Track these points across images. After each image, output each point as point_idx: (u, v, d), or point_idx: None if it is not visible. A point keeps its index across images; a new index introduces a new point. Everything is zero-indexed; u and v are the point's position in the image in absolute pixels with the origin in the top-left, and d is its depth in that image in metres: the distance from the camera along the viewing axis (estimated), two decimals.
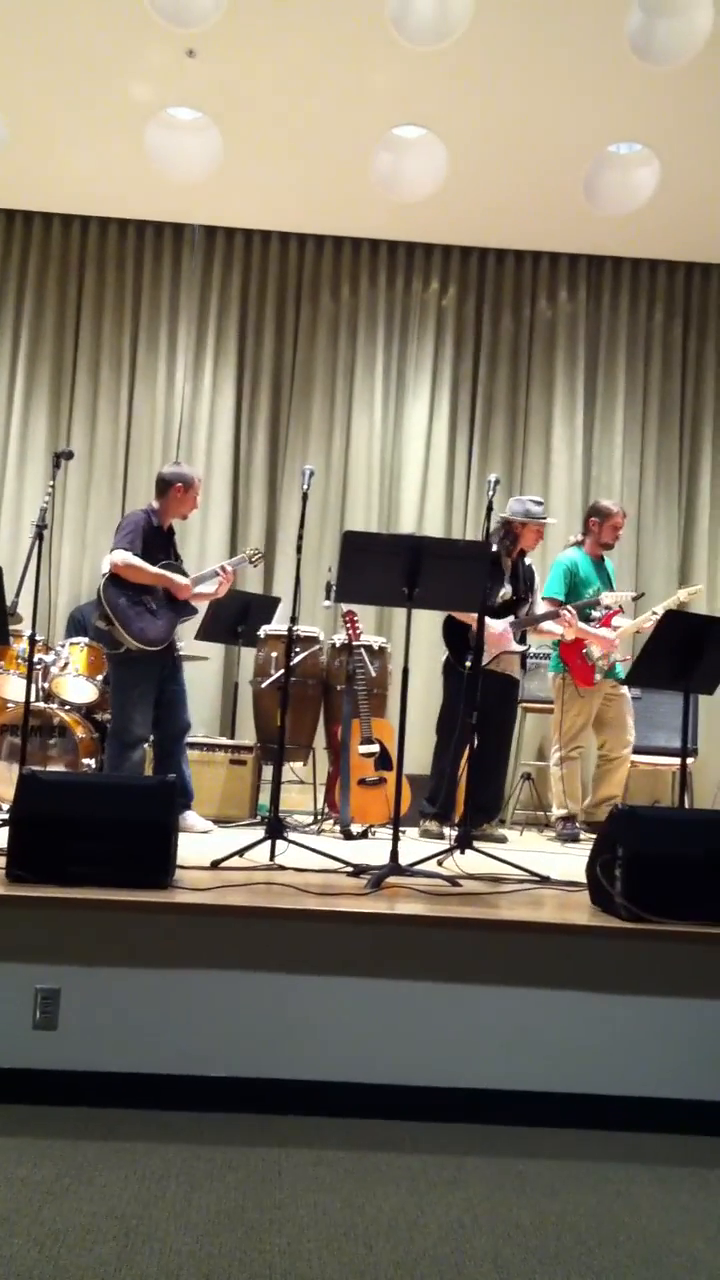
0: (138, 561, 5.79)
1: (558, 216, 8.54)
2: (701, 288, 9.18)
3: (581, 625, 6.70)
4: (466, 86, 7.34)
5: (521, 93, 7.34)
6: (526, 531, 6.56)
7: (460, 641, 6.39)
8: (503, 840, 6.52)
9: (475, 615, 5.55)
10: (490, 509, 5.49)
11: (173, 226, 8.99)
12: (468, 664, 6.31)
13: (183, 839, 3.91)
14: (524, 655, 6.79)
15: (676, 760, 6.80)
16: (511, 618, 6.52)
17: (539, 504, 6.70)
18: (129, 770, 5.76)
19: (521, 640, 6.65)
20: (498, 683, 6.42)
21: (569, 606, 6.62)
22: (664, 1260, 2.49)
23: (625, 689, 6.93)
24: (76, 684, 6.71)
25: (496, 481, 5.49)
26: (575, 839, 6.72)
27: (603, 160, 8.13)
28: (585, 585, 6.90)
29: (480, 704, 5.27)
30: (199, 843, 5.20)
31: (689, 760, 5.36)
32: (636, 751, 7.33)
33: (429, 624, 7.14)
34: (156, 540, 5.97)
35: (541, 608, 6.73)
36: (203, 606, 6.32)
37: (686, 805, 6.19)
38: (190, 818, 5.95)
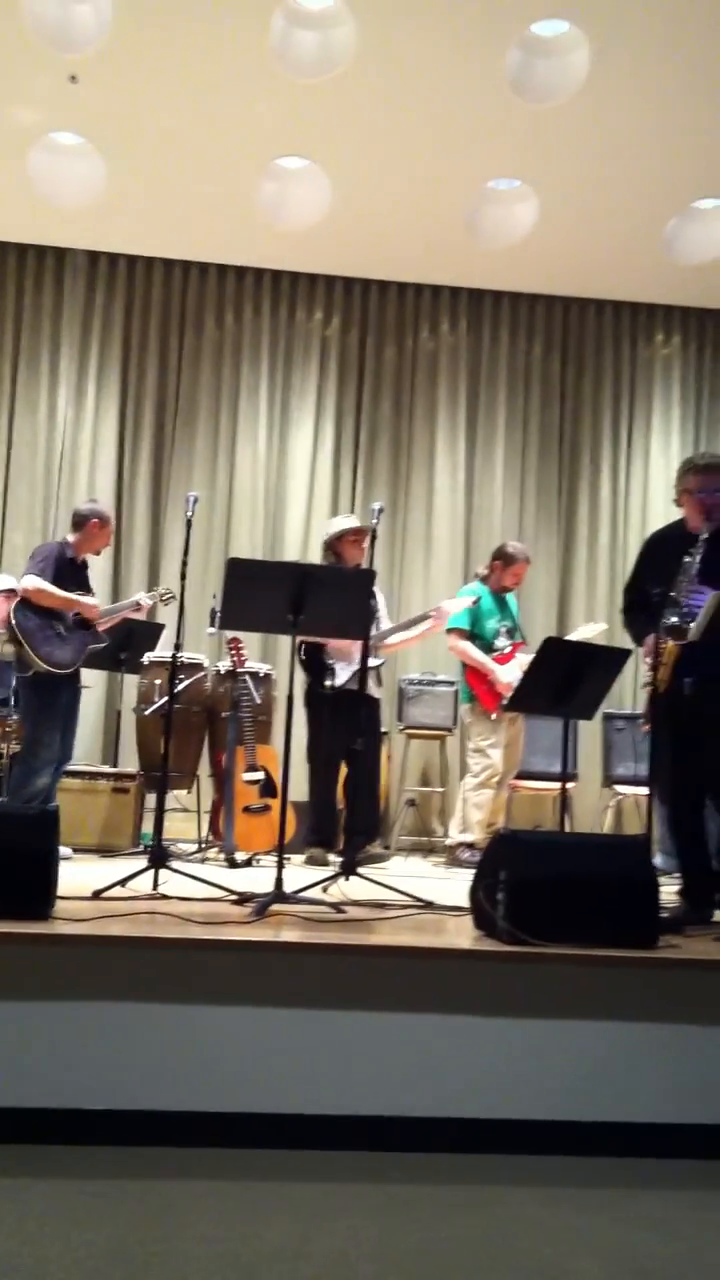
0: (48, 586, 5.92)
1: (439, 250, 8.67)
2: (579, 322, 9.39)
3: (481, 657, 6.80)
4: (349, 120, 7.42)
5: (404, 127, 7.45)
6: (344, 547, 6.60)
7: (317, 666, 6.45)
8: (384, 859, 6.55)
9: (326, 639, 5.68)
10: (375, 536, 5.54)
11: (55, 251, 8.92)
12: (327, 684, 6.37)
13: (63, 867, 3.85)
14: (378, 671, 6.83)
15: (557, 785, 6.89)
16: None
17: (348, 516, 6.83)
18: (35, 793, 5.77)
19: (374, 655, 6.68)
20: (360, 702, 6.44)
21: (439, 606, 6.76)
22: None
23: (521, 718, 7.03)
24: None
25: (380, 509, 5.54)
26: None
27: (483, 195, 8.28)
28: (487, 617, 6.97)
29: (346, 728, 5.30)
30: (80, 873, 5.12)
31: (569, 784, 5.44)
32: (519, 776, 7.45)
33: None
34: (69, 571, 6.11)
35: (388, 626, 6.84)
36: None
37: (567, 829, 6.28)
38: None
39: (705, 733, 4.55)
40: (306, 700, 6.59)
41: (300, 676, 6.60)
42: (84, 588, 6.17)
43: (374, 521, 5.50)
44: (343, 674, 6.42)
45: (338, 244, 8.63)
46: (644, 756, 5.08)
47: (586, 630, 7.00)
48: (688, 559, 4.50)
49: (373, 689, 6.70)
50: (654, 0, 6.54)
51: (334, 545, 6.65)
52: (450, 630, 6.90)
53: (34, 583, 5.90)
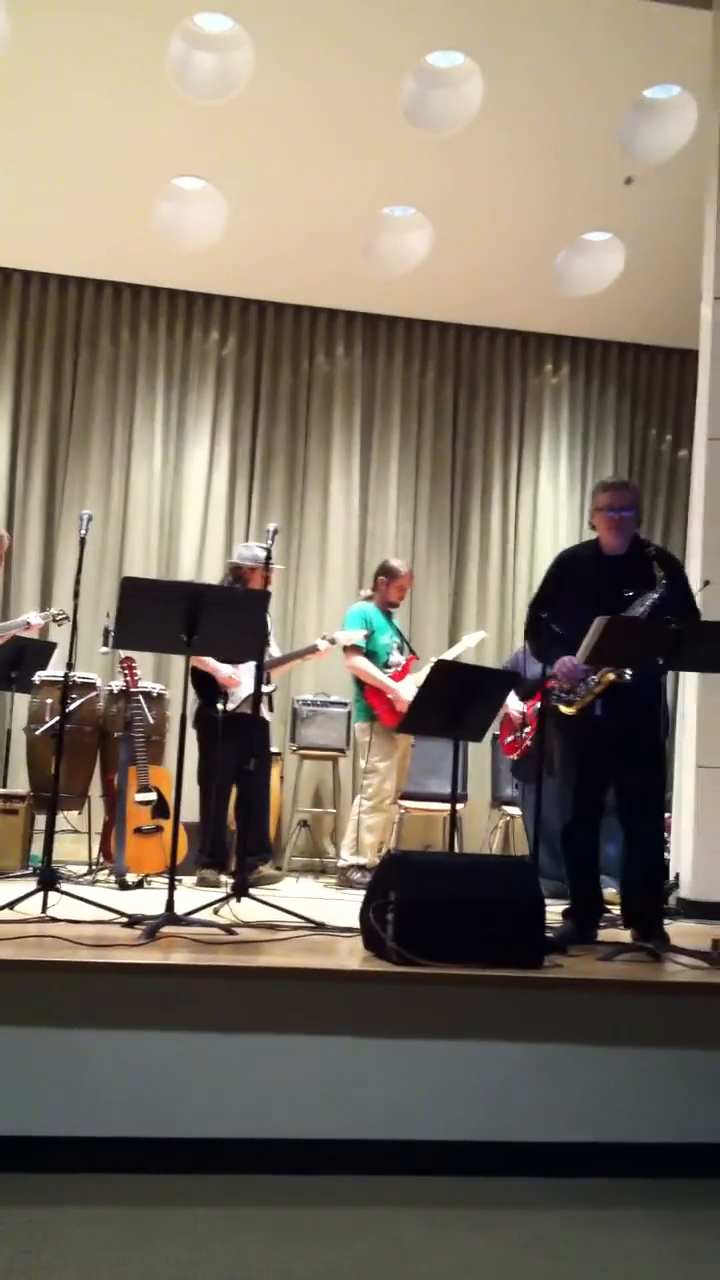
0: None
1: (335, 274, 8.75)
2: (471, 349, 9.52)
3: (380, 675, 6.84)
4: (246, 142, 7.48)
5: (300, 152, 7.53)
6: (255, 576, 6.61)
7: (208, 688, 6.46)
8: (276, 880, 6.55)
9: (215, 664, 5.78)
10: (269, 558, 5.56)
11: None
12: (220, 707, 6.38)
13: None
14: (270, 697, 6.83)
15: (447, 806, 6.97)
16: (250, 663, 6.57)
17: (266, 549, 6.83)
18: None
19: (267, 681, 6.70)
20: (250, 725, 6.46)
21: (328, 637, 6.82)
22: None
23: (409, 738, 7.08)
24: None
25: (275, 531, 5.56)
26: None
27: (378, 222, 8.38)
28: (380, 634, 7.01)
29: (237, 749, 5.29)
30: None
31: (459, 806, 5.51)
32: (410, 797, 7.49)
33: None
34: None
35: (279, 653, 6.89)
36: None
37: (456, 850, 6.35)
38: None
39: (630, 750, 4.67)
40: (196, 722, 6.57)
41: (193, 697, 6.59)
42: None
43: (268, 543, 5.52)
44: (236, 697, 6.43)
45: (234, 265, 8.66)
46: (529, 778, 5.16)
47: (469, 640, 7.15)
48: (642, 600, 4.57)
49: (263, 711, 6.69)
50: (547, 35, 6.72)
51: (241, 570, 6.64)
52: (347, 649, 6.91)
53: None
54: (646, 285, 8.69)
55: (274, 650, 6.86)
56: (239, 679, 6.45)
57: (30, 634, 6.50)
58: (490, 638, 9.14)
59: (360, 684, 6.97)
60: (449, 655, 6.99)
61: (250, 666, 6.49)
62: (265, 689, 6.61)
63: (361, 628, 6.95)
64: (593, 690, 4.63)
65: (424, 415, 9.41)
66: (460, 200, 7.99)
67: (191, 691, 6.52)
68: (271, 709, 6.98)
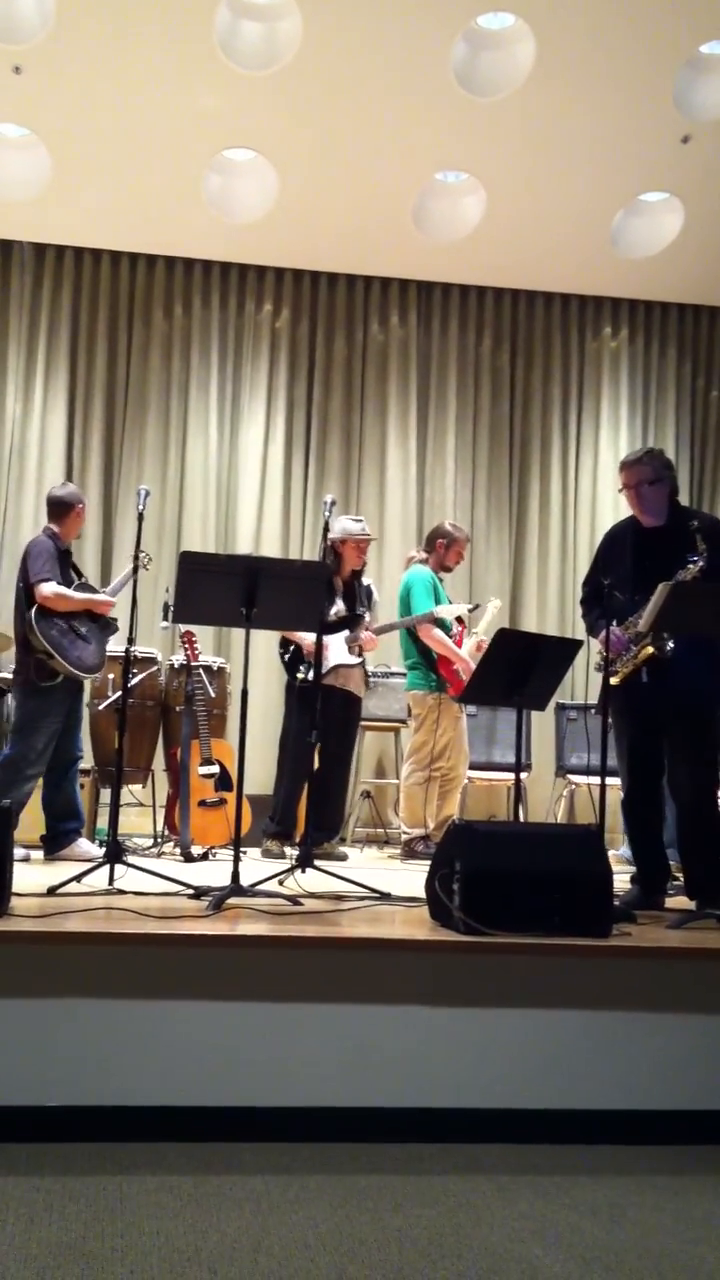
0: (66, 591, 5.78)
1: (387, 242, 8.68)
2: (527, 315, 9.42)
3: (452, 645, 6.76)
4: (296, 111, 7.43)
5: (349, 119, 7.47)
6: (347, 549, 6.60)
7: (293, 657, 6.46)
8: (344, 858, 6.54)
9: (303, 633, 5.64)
10: (327, 529, 5.54)
11: (0, 244, 8.83)
12: (299, 675, 6.36)
13: (18, 868, 3.82)
14: (364, 669, 6.80)
15: (511, 775, 6.94)
16: (346, 632, 6.54)
17: (357, 521, 6.78)
18: (18, 799, 5.62)
19: (359, 654, 6.66)
20: (336, 699, 6.44)
21: (431, 611, 6.69)
22: (505, 1269, 2.53)
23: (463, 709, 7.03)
24: None
25: (332, 502, 5.54)
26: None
27: (430, 188, 8.30)
28: (441, 600, 6.96)
29: (319, 721, 5.28)
30: (35, 870, 5.10)
31: (523, 775, 5.48)
32: (474, 767, 7.46)
33: (267, 644, 7.15)
34: (65, 563, 5.95)
35: (381, 624, 6.82)
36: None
37: (521, 819, 6.32)
38: (84, 844, 5.93)
39: (676, 718, 4.67)
40: (286, 692, 6.61)
41: (267, 670, 6.61)
42: (77, 575, 6.05)
43: (326, 515, 5.50)
44: (324, 664, 6.31)
45: (286, 236, 8.62)
46: (598, 746, 5.12)
47: (490, 607, 7.20)
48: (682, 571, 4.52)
49: (354, 686, 6.64)
50: None
51: (336, 545, 6.59)
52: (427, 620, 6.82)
53: (54, 589, 5.70)
54: (706, 245, 8.55)
55: (379, 623, 6.85)
56: (338, 651, 6.46)
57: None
58: (553, 603, 9.09)
59: (426, 654, 6.84)
60: (481, 627, 6.98)
61: (340, 637, 6.49)
62: (355, 661, 6.59)
63: (431, 595, 6.85)
64: (632, 661, 4.61)
65: (480, 383, 9.34)
66: (513, 164, 7.89)
67: (257, 664, 6.52)
68: (369, 685, 6.94)
